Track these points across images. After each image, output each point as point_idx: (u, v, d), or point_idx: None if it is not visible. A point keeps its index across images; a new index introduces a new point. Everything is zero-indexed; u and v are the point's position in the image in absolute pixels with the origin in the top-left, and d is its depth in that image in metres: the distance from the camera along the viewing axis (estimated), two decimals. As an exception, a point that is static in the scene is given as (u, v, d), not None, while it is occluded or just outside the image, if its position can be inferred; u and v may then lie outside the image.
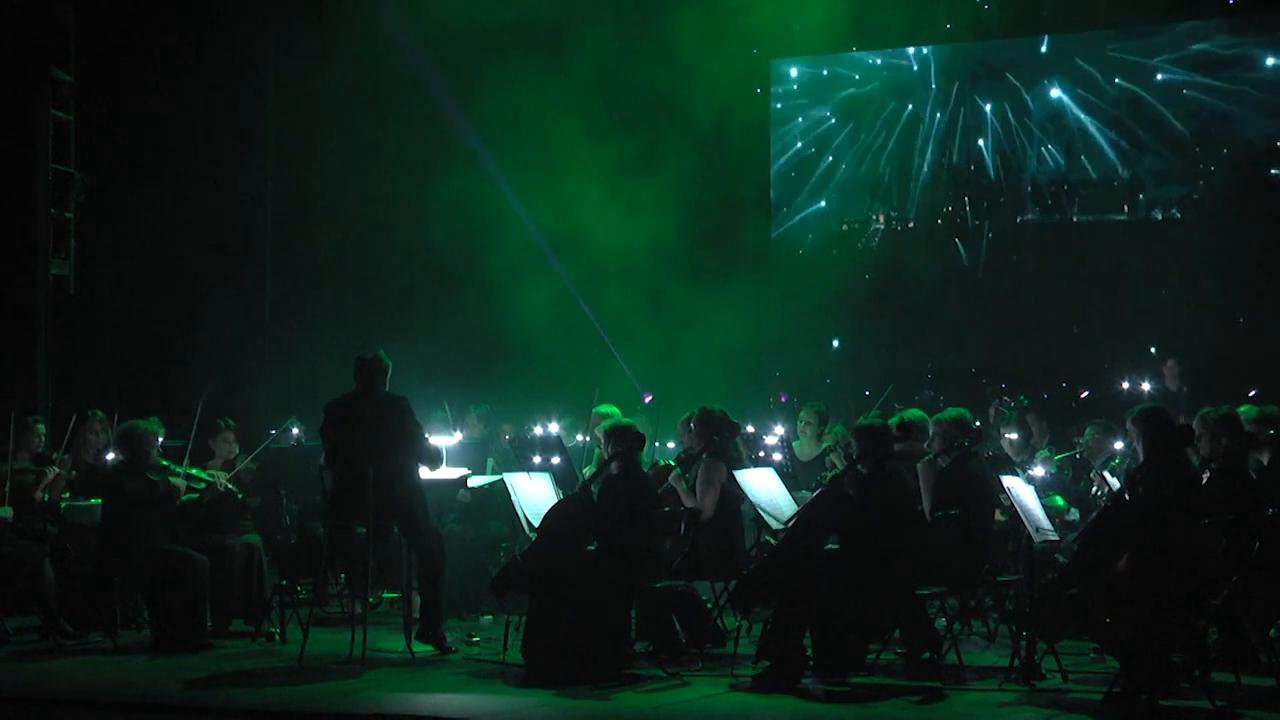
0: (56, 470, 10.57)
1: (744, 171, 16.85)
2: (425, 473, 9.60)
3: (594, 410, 11.69)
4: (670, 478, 9.69)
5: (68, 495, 10.67)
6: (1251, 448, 8.93)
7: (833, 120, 17.04)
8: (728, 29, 15.71)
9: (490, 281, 15.52)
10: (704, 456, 9.75)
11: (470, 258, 15.65)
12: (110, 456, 10.73)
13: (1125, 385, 13.58)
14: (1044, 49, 16.19)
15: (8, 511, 10.15)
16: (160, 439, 10.44)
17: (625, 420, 9.75)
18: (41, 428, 11.06)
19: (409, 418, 9.45)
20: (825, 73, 17.13)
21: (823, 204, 17.08)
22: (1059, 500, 9.96)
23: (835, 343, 16.81)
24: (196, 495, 10.30)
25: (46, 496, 10.53)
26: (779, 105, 17.17)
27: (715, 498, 9.58)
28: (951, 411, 9.44)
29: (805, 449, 11.83)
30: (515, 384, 14.65)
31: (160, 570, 9.68)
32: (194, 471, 10.44)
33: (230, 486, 10.54)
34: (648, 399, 13.41)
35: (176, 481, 10.10)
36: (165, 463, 10.22)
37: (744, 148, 16.59)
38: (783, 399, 15.54)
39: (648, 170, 15.07)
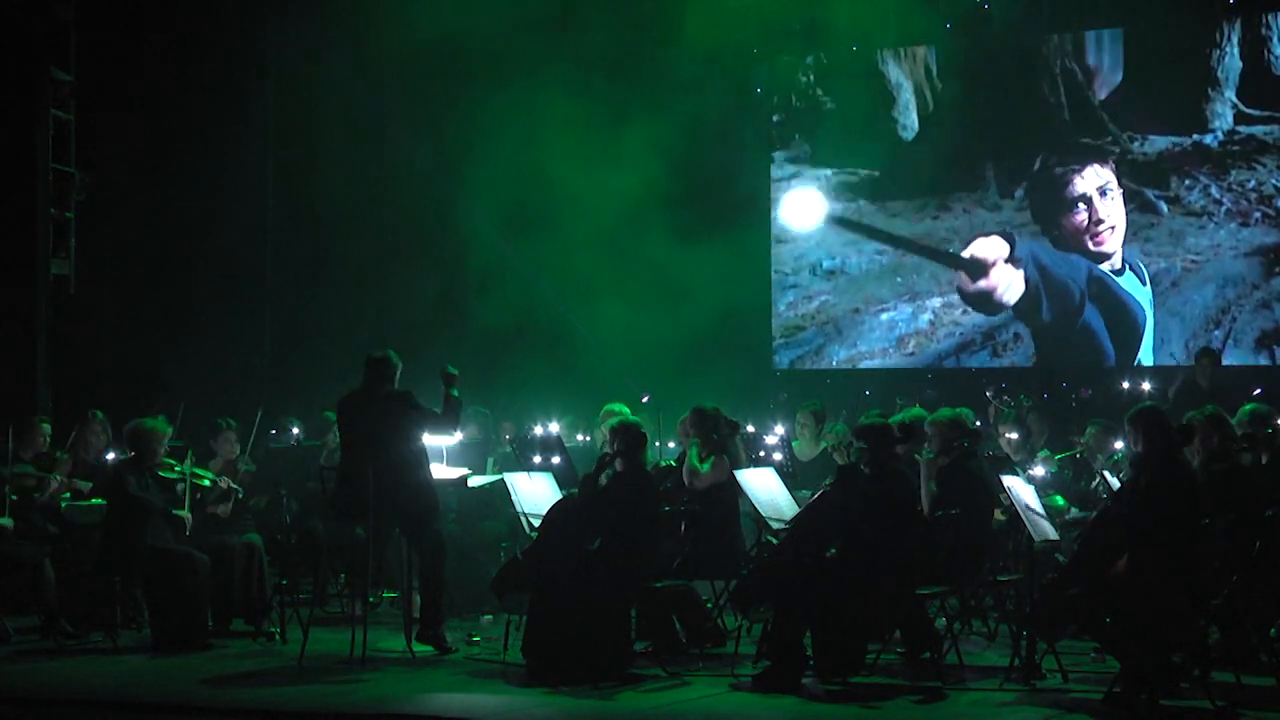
0: (59, 479, 10.56)
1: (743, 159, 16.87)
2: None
3: (604, 408, 11.73)
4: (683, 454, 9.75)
5: (68, 496, 10.67)
6: (1250, 448, 8.93)
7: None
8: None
9: (496, 270, 15.60)
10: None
11: (474, 256, 15.68)
12: (110, 456, 10.75)
13: (1125, 385, 13.58)
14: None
15: (8, 522, 10.15)
16: (167, 438, 10.40)
17: (632, 419, 9.75)
18: (47, 428, 11.07)
19: (413, 412, 9.43)
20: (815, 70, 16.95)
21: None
22: (1059, 500, 9.96)
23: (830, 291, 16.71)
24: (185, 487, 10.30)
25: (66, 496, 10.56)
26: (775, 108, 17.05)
27: (711, 482, 9.62)
28: (947, 411, 9.46)
29: (804, 450, 11.88)
30: (541, 377, 14.72)
31: (161, 569, 9.69)
32: (200, 471, 10.44)
33: (236, 488, 10.55)
34: (645, 399, 13.42)
35: (181, 513, 10.11)
36: (175, 465, 10.21)
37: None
38: (781, 397, 15.56)
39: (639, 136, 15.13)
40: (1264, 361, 14.00)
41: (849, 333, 15.83)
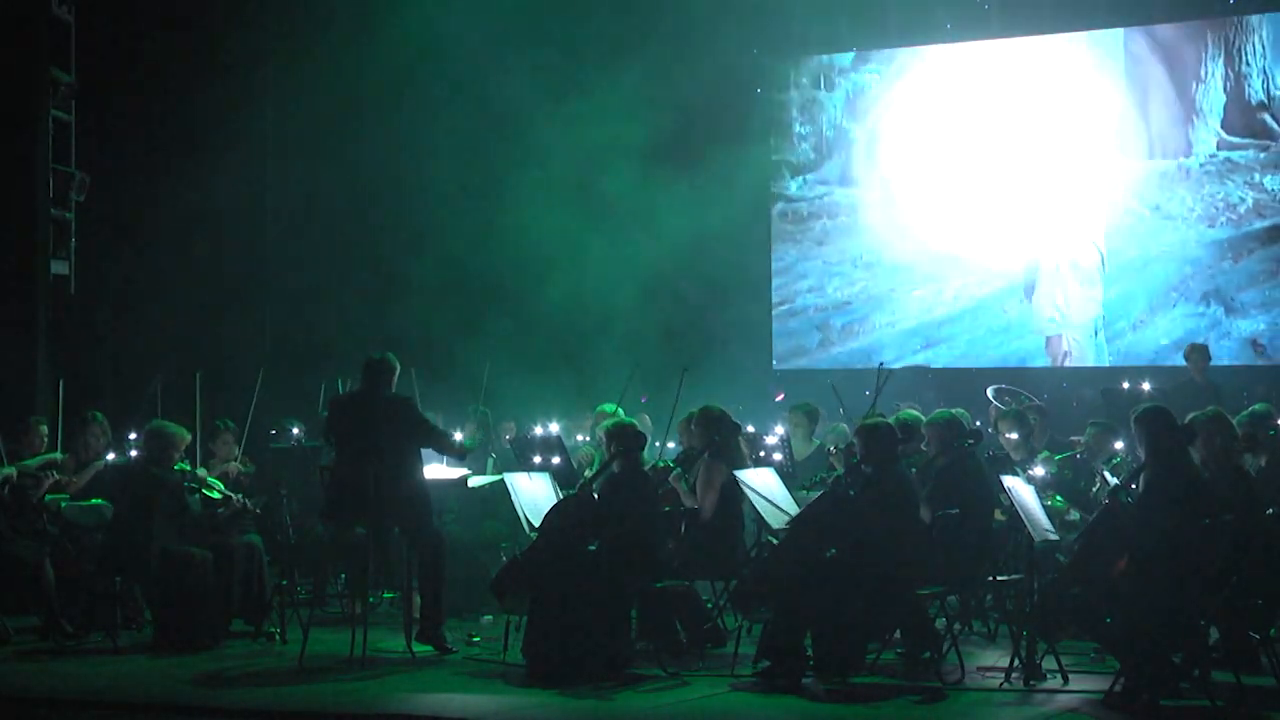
0: (56, 476, 10.56)
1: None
2: (426, 472, 9.63)
3: (596, 409, 11.70)
4: (670, 478, 9.69)
5: (67, 495, 10.67)
6: (1250, 448, 8.93)
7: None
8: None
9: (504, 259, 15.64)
10: (704, 456, 9.75)
11: (477, 251, 15.69)
12: (111, 456, 10.74)
13: (1125, 385, 13.58)
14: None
15: (11, 471, 10.17)
16: (185, 444, 10.36)
17: (627, 420, 9.76)
18: (44, 429, 11.06)
19: (414, 418, 9.48)
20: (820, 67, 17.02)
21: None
22: (1059, 500, 9.95)
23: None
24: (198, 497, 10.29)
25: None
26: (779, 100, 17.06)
27: (715, 498, 9.58)
28: (944, 413, 9.47)
29: (799, 449, 11.89)
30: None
31: (164, 568, 9.69)
32: (211, 480, 10.43)
33: (247, 503, 10.54)
34: (644, 399, 13.42)
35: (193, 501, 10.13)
36: (191, 470, 10.21)
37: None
38: (779, 397, 15.55)
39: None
40: (1203, 308, 15.42)
41: (887, 305, 16.78)
